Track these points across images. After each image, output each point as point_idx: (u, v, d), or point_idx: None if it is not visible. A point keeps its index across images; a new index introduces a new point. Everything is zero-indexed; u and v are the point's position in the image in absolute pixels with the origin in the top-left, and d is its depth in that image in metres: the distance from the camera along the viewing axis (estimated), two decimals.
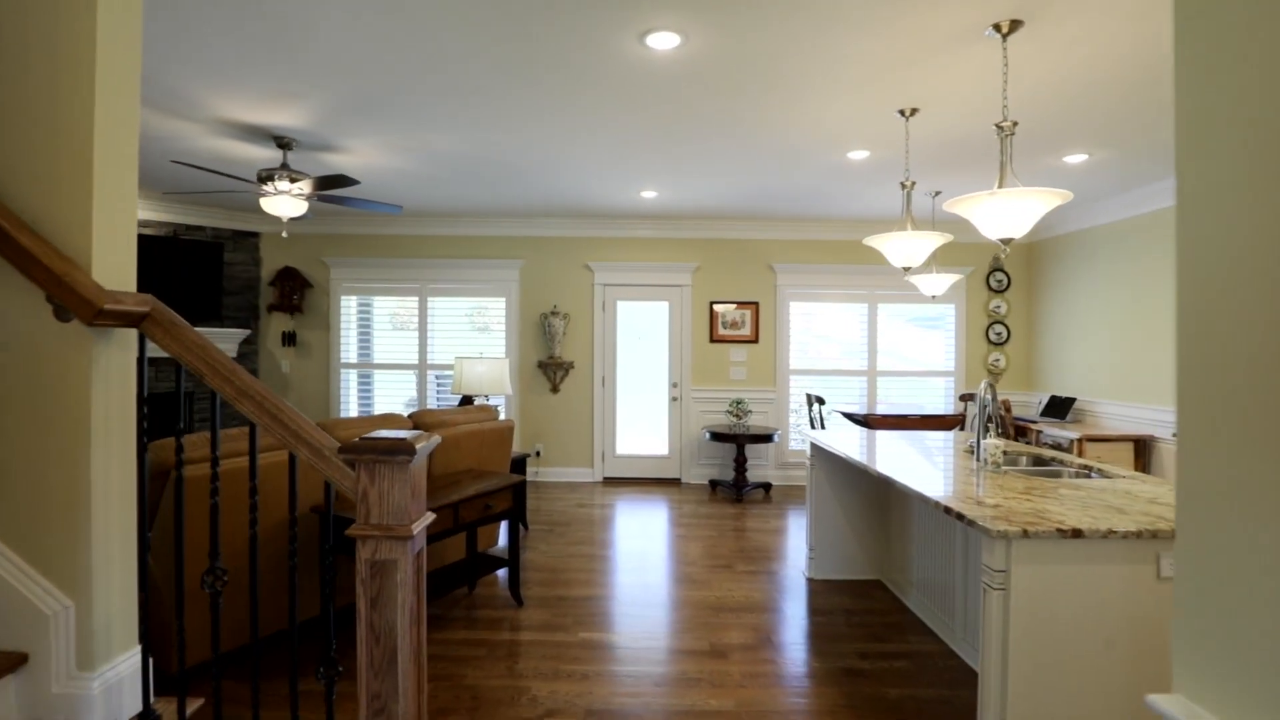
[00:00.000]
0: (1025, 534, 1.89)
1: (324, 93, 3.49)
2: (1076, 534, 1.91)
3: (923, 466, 2.95)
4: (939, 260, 6.95)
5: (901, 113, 3.53)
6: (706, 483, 6.77)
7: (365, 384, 7.19)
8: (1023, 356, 7.01)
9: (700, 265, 6.91)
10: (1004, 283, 6.99)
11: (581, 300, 6.96)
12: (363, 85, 3.39)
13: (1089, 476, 2.97)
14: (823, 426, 5.54)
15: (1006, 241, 2.53)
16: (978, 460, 3.09)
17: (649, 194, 5.65)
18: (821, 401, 5.56)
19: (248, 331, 6.79)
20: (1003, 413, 6.64)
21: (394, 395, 7.13)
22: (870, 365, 6.98)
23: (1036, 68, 3.02)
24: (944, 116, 3.63)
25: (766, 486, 6.40)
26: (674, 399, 6.91)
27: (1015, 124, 2.48)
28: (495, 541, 4.35)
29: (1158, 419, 5.26)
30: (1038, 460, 3.37)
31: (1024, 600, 1.93)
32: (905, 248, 3.38)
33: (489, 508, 3.22)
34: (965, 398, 6.41)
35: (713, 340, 6.89)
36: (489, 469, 4.02)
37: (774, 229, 6.86)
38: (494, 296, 7.02)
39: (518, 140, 4.21)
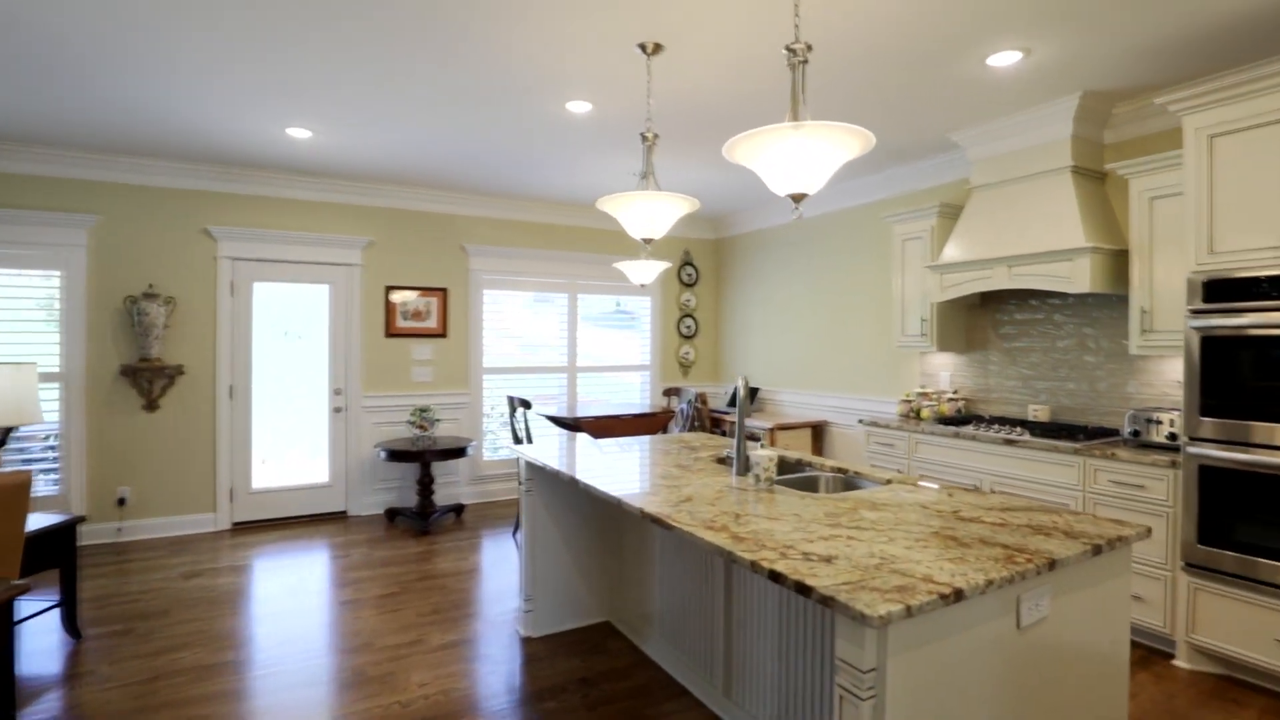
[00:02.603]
0: (909, 612, 1.27)
1: None
2: (959, 596, 1.36)
3: (685, 491, 2.27)
4: (629, 254, 6.69)
5: (642, 48, 2.84)
6: (383, 512, 5.39)
7: None
8: (710, 349, 7.18)
9: (375, 241, 5.47)
10: (694, 277, 7.06)
11: (197, 279, 4.94)
12: None
13: (847, 482, 2.65)
14: (529, 437, 4.70)
15: (798, 199, 1.98)
16: (737, 474, 2.54)
17: (300, 133, 4.09)
18: (526, 405, 4.72)
19: None
20: (699, 406, 6.67)
21: None
22: (570, 361, 6.40)
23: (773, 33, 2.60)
24: (692, 62, 3.05)
25: (459, 509, 5.32)
26: (337, 410, 5.36)
27: (810, 48, 1.94)
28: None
29: (827, 404, 5.65)
30: (783, 465, 3.00)
31: (904, 705, 1.31)
32: (648, 212, 2.71)
33: None
34: (669, 392, 6.23)
35: (390, 334, 5.53)
36: None
37: (469, 203, 5.78)
38: (40, 269, 4.54)
39: None
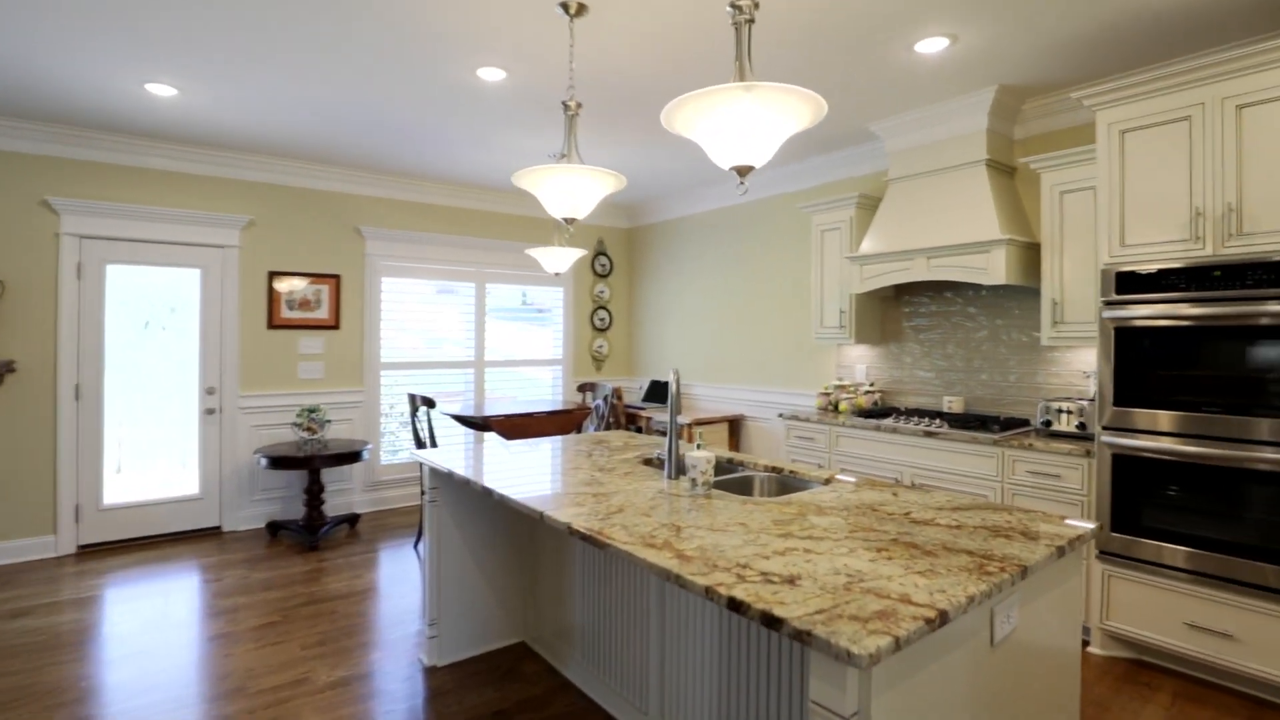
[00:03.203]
0: (898, 645, 1.09)
1: None
2: (943, 620, 1.19)
3: (614, 500, 2.03)
4: (541, 242, 6.38)
5: (565, 8, 2.55)
6: (264, 526, 4.81)
7: None
8: (624, 342, 6.97)
9: (255, 220, 4.85)
10: (607, 267, 6.82)
11: (32, 259, 4.18)
12: None
13: (783, 482, 2.50)
14: (432, 440, 4.29)
15: (744, 173, 1.78)
16: (669, 477, 2.33)
17: (162, 89, 3.50)
18: (430, 404, 4.31)
19: None
20: (615, 401, 6.44)
21: None
22: (478, 355, 6.00)
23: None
24: (618, 27, 2.79)
25: (352, 519, 4.82)
26: (210, 412, 4.72)
27: (756, 4, 1.73)
28: None
29: (743, 398, 5.58)
30: (714, 464, 2.82)
31: None
32: (570, 188, 2.43)
33: None
34: (584, 387, 5.96)
35: (273, 326, 4.93)
36: None
37: (365, 181, 5.25)
38: None
39: None
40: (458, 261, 5.79)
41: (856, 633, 1.10)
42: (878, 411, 4.17)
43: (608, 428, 5.05)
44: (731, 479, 2.50)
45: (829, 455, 4.11)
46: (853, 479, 2.30)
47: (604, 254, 6.79)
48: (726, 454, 2.79)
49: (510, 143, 4.41)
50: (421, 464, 2.71)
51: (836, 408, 4.46)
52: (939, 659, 1.25)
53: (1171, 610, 2.72)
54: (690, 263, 6.16)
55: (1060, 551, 1.57)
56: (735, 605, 1.24)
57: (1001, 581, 1.35)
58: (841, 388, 4.50)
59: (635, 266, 6.90)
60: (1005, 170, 3.76)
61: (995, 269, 3.44)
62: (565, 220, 2.51)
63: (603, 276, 6.81)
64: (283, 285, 4.95)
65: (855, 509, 1.90)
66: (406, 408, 5.57)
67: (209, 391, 4.71)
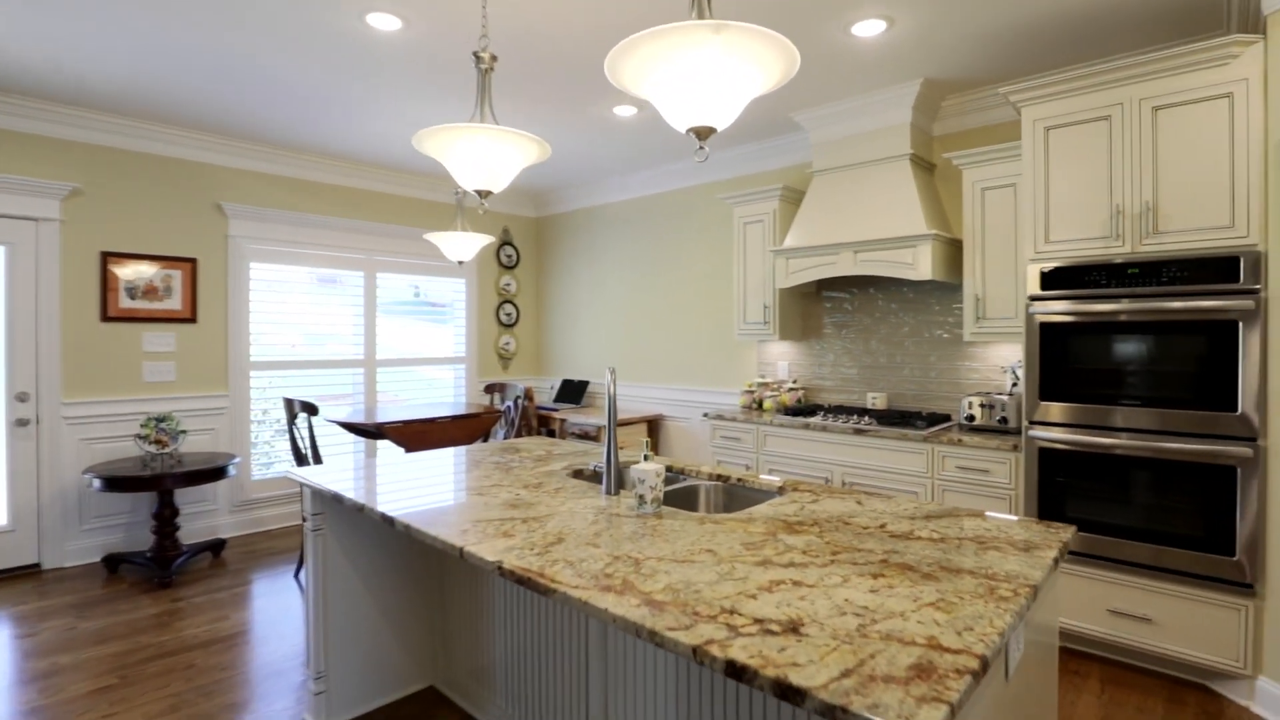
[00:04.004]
0: (953, 713, 0.85)
1: None
2: (984, 668, 0.97)
3: (549, 525, 1.71)
4: (441, 228, 5.87)
5: None
6: (99, 561, 4.03)
7: None
8: (533, 339, 6.58)
9: (82, 189, 4.04)
10: (514, 258, 6.40)
11: None
12: None
13: (730, 491, 2.26)
14: (315, 453, 3.71)
15: (703, 137, 1.51)
16: (607, 493, 2.03)
17: None
18: (311, 410, 3.74)
19: None
20: (526, 403, 6.03)
21: None
22: (369, 353, 5.41)
23: None
24: None
25: (216, 546, 4.14)
26: (21, 423, 3.88)
27: None
28: None
29: (662, 397, 5.38)
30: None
31: None
32: (486, 154, 2.07)
33: None
34: (491, 388, 5.52)
35: (109, 318, 4.14)
36: None
37: (229, 149, 4.52)
38: None
39: None
40: (344, 247, 5.17)
41: (903, 702, 0.85)
42: (803, 409, 4.07)
43: (519, 433, 4.66)
44: (674, 490, 2.24)
45: (756, 455, 3.96)
46: (778, 478, 2.11)
47: (510, 244, 6.35)
48: (666, 461, 2.52)
49: (407, 110, 3.92)
50: (303, 486, 2.24)
51: (760, 406, 4.33)
52: (968, 712, 1.04)
53: (1096, 598, 2.75)
54: (605, 255, 5.86)
55: (1055, 562, 1.42)
56: (737, 671, 0.97)
57: (1020, 608, 1.16)
58: (765, 385, 4.38)
59: (545, 258, 6.52)
60: (926, 166, 3.75)
61: (922, 264, 3.40)
62: (479, 194, 2.14)
63: (509, 269, 6.38)
64: (122, 270, 4.17)
65: (826, 524, 1.69)
66: (283, 414, 4.90)
67: (20, 398, 3.86)
